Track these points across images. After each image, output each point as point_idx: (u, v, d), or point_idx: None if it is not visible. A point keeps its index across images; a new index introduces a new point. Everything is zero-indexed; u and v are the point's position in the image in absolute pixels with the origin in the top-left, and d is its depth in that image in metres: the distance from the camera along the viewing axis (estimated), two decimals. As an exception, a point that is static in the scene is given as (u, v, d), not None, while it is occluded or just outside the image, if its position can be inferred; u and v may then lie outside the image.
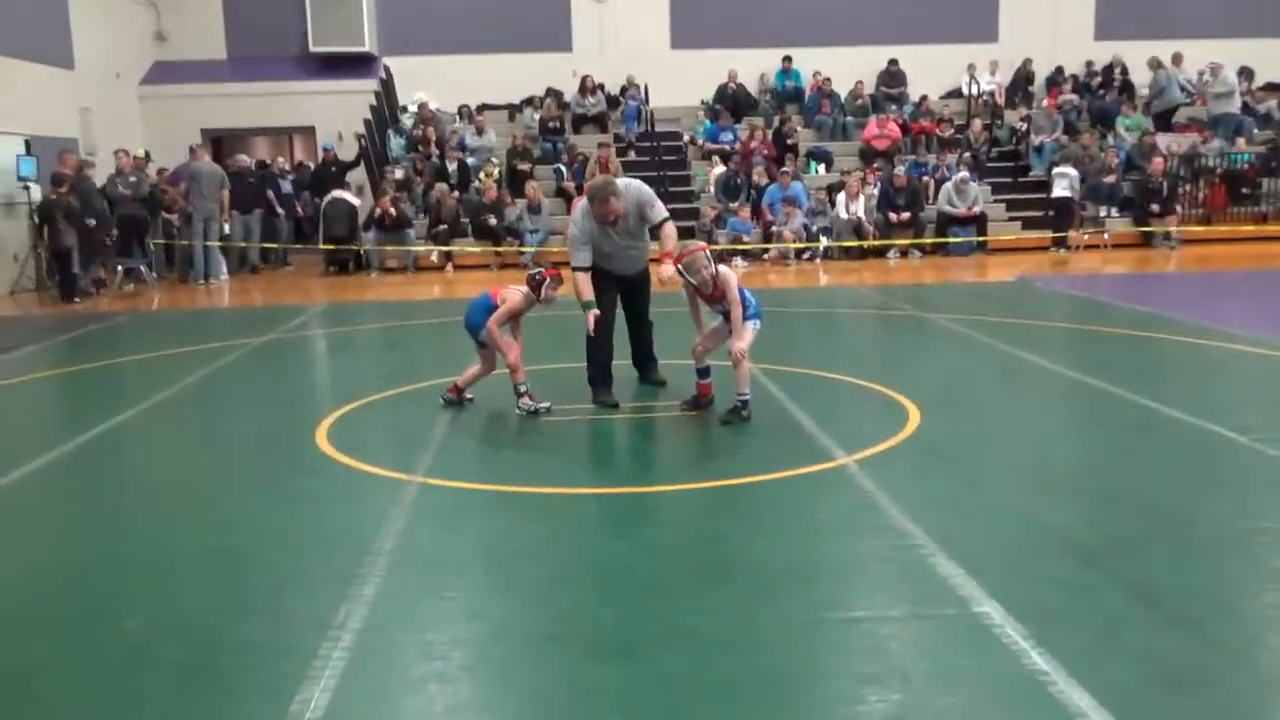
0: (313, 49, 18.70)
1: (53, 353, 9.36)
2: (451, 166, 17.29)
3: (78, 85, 16.39)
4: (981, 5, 20.14)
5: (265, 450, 5.71)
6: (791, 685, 2.92)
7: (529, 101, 19.36)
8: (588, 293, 6.16)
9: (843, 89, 19.39)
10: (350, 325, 10.64)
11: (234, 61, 19.15)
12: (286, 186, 17.15)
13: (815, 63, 19.52)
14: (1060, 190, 16.31)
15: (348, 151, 17.72)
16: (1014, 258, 15.53)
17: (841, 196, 16.35)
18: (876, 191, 16.50)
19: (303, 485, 4.92)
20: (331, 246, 16.04)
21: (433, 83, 19.06)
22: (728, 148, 18.05)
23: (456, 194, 16.64)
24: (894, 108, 19.15)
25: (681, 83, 19.30)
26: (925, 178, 17.25)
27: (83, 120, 16.52)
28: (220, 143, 19.54)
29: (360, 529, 4.20)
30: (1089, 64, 20.02)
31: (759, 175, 16.94)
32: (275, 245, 16.67)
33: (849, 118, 19.11)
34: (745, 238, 15.96)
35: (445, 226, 16.15)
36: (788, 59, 19.71)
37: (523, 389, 6.10)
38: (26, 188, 14.34)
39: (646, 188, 6.37)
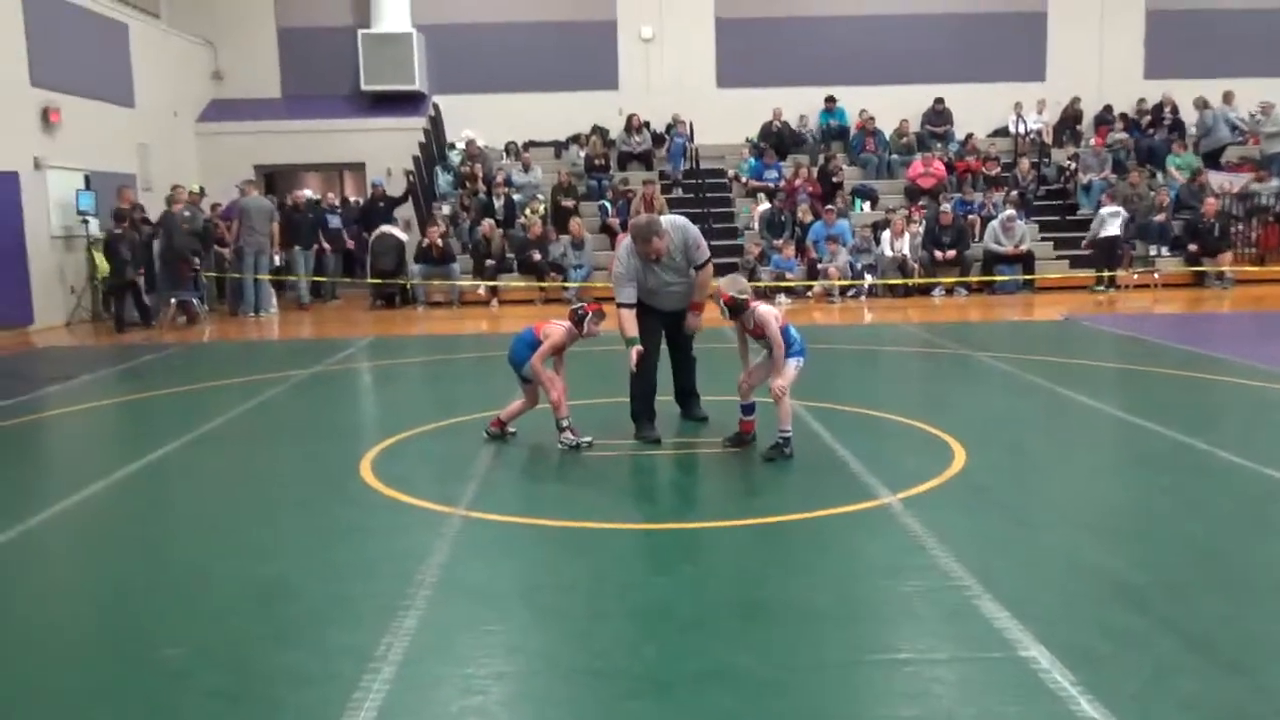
0: (364, 87, 19.04)
1: (106, 383, 9.52)
2: (498, 202, 17.48)
3: (137, 122, 16.80)
4: (1029, 45, 20.07)
5: (309, 481, 5.73)
6: (833, 727, 2.84)
7: (575, 139, 19.53)
8: (631, 329, 6.17)
9: (888, 127, 19.37)
10: (396, 358, 10.71)
11: (288, 100, 19.55)
12: (335, 221, 17.37)
13: (861, 101, 19.54)
14: (1105, 230, 16.12)
15: (396, 187, 17.95)
16: (1061, 296, 15.37)
17: (886, 234, 16.31)
18: (921, 229, 16.43)
19: (346, 516, 4.93)
20: (379, 281, 16.23)
21: (480, 120, 19.33)
22: (772, 185, 18.09)
23: (502, 230, 16.80)
24: (939, 146, 19.10)
25: (726, 121, 19.42)
26: (971, 216, 17.14)
27: (141, 156, 16.91)
28: (273, 178, 19.91)
29: (402, 561, 4.20)
30: (1140, 101, 19.85)
31: (804, 213, 16.96)
32: (323, 279, 16.87)
33: (894, 156, 19.08)
34: (789, 275, 15.93)
35: (491, 261, 16.32)
36: (830, 99, 19.73)
37: (565, 423, 6.11)
38: (85, 222, 14.67)
39: (693, 227, 6.39)
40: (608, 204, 17.62)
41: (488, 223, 16.61)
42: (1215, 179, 17.56)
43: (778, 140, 19.23)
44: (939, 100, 19.66)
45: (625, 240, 6.41)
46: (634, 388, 6.36)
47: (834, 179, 18.06)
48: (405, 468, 5.85)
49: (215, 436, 6.92)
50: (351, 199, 19.79)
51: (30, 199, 14.00)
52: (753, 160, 18.79)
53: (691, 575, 4.07)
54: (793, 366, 5.70)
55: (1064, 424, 6.91)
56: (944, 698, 3.03)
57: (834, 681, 3.14)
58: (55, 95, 14.58)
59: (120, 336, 13.29)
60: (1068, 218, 17.82)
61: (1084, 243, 16.35)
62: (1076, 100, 19.84)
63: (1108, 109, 19.84)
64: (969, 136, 19.18)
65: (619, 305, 6.24)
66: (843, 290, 15.70)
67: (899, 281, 15.96)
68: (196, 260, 14.69)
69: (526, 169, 18.43)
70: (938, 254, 16.16)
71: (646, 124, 19.34)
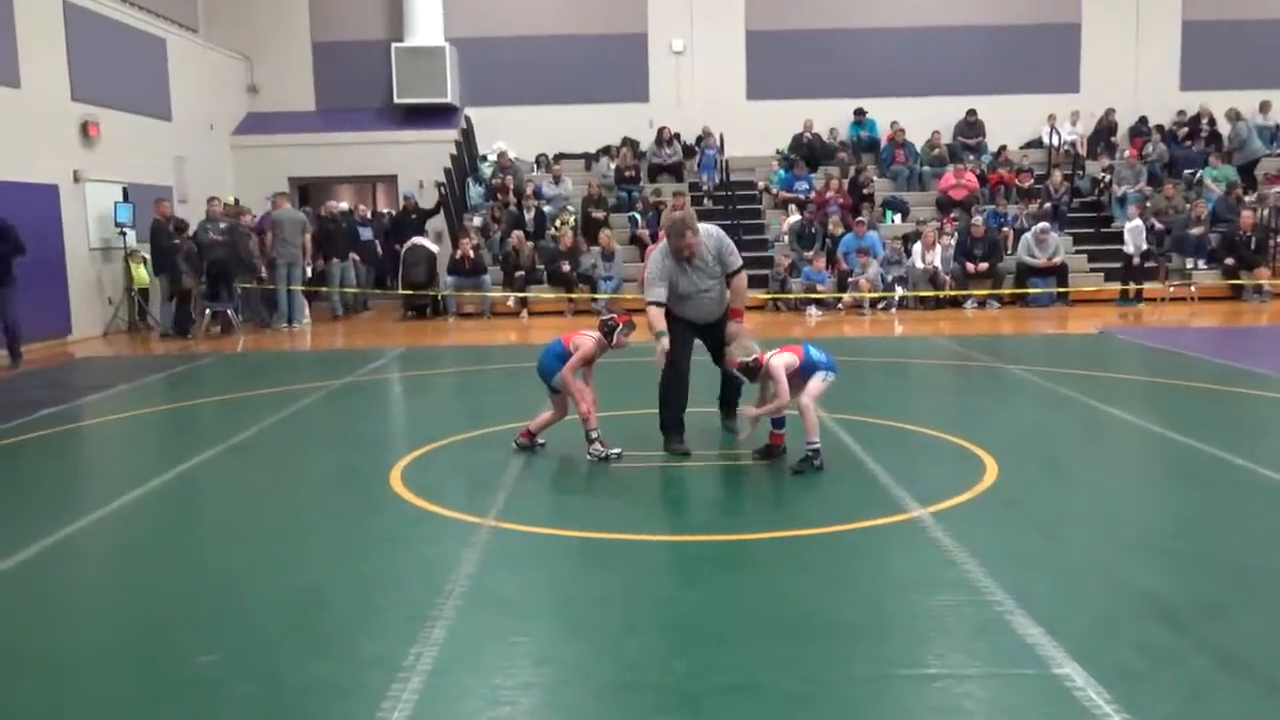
0: (397, 100, 19.21)
1: (142, 392, 9.60)
2: (528, 214, 17.55)
3: (174, 135, 17.03)
4: (1063, 56, 19.94)
5: (340, 491, 5.77)
6: (863, 743, 2.81)
7: (605, 151, 19.59)
8: (660, 324, 6.14)
9: (919, 139, 19.29)
10: (427, 369, 10.74)
11: (322, 113, 19.75)
12: (367, 233, 17.48)
13: (892, 113, 19.48)
14: (1130, 245, 15.93)
15: (428, 199, 18.06)
16: (1096, 309, 15.23)
17: (917, 246, 16.23)
18: (953, 241, 16.33)
19: (376, 526, 4.95)
20: (410, 292, 16.32)
21: (512, 133, 19.43)
22: (802, 197, 18.04)
23: (532, 241, 16.86)
24: (972, 158, 18.99)
25: (757, 132, 19.41)
26: (1004, 228, 17.01)
27: (177, 168, 17.13)
28: (307, 190, 20.09)
29: (431, 571, 4.21)
30: (1180, 114, 19.64)
31: (834, 225, 16.92)
32: (355, 290, 17.00)
33: (925, 167, 18.99)
34: (820, 287, 15.90)
35: (521, 273, 16.37)
36: (860, 111, 19.68)
37: (594, 435, 6.11)
38: (123, 233, 14.87)
39: (726, 237, 6.43)
40: (638, 216, 17.67)
41: (518, 234, 16.68)
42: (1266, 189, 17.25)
43: (808, 152, 19.21)
44: (971, 112, 19.56)
45: (660, 244, 6.43)
46: (663, 398, 6.33)
47: (864, 191, 18.02)
48: (435, 478, 5.87)
49: (248, 446, 6.96)
50: (384, 211, 19.91)
51: (70, 212, 14.22)
52: (783, 172, 18.78)
53: (721, 588, 4.06)
54: (821, 380, 5.71)
55: (1098, 438, 6.85)
56: (975, 714, 3.00)
57: (863, 696, 3.12)
58: (95, 109, 14.81)
59: (156, 347, 13.42)
60: (1102, 230, 17.66)
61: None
62: (1111, 112, 19.68)
63: (1143, 121, 19.67)
64: (1002, 148, 19.07)
65: (649, 303, 6.22)
66: (873, 302, 15.65)
67: (930, 294, 15.89)
68: (260, 269, 14.90)
69: (557, 181, 18.51)
70: (970, 266, 16.06)
71: (677, 136, 19.37)
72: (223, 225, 15.11)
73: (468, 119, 19.66)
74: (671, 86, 19.88)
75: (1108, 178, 18.28)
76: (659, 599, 3.95)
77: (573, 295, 16.09)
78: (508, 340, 13.37)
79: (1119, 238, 16.78)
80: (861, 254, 15.92)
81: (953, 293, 15.89)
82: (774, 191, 18.58)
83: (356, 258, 17.03)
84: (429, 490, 5.53)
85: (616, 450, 6.12)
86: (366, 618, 3.80)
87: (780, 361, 5.75)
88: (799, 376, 5.76)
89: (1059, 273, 16.08)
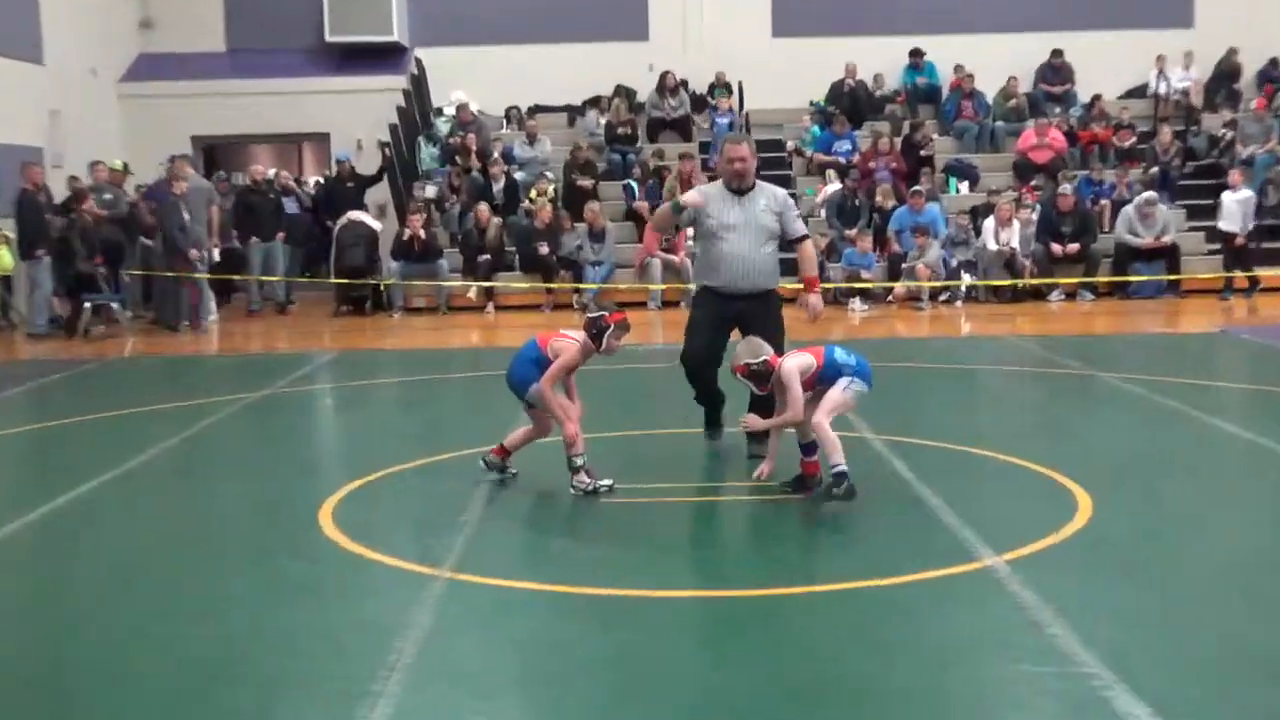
0: (329, 39, 19.25)
1: (8, 407, 9.61)
2: (496, 183, 17.55)
3: (46, 83, 17.01)
4: (1171, -19, 19.98)
5: (256, 533, 5.76)
6: None
7: (593, 103, 19.61)
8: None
9: (991, 87, 19.32)
10: (366, 378, 10.82)
11: (234, 55, 19.77)
12: (292, 206, 17.47)
13: (956, 55, 19.49)
14: (1226, 220, 15.86)
15: (368, 164, 18.07)
16: (1215, 301, 15.27)
17: (989, 223, 16.24)
18: (1035, 216, 16.36)
19: (301, 578, 4.94)
20: (345, 280, 16.28)
21: (474, 80, 19.47)
22: (843, 160, 18.10)
23: (501, 217, 16.86)
24: (1058, 111, 19.05)
25: (785, 80, 19.46)
26: (1100, 200, 17.06)
27: (51, 125, 17.12)
28: (214, 153, 20.10)
29: (373, 635, 4.19)
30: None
31: (883, 195, 16.94)
32: (278, 279, 16.91)
33: (999, 123, 19.04)
34: (865, 274, 15.89)
35: (487, 257, 16.34)
36: (917, 52, 19.70)
37: (579, 463, 6.11)
38: (-19, 207, 14.85)
39: (791, 201, 6.83)
40: (634, 184, 17.68)
41: (483, 208, 16.67)
42: None
43: (850, 104, 19.26)
44: (1057, 53, 19.60)
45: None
46: (690, 379, 6.71)
47: (922, 153, 18.05)
48: (377, 517, 5.89)
49: (139, 476, 6.94)
50: (312, 179, 19.91)
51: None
52: (818, 129, 18.84)
53: (742, 654, 4.04)
54: (845, 390, 5.79)
55: (1216, 466, 6.86)
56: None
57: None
58: (-56, 50, 14.78)
59: (21, 349, 13.40)
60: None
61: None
62: (1234, 52, 19.70)
63: (1273, 63, 19.70)
64: (1096, 99, 19.11)
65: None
66: (934, 294, 15.68)
67: (1005, 283, 15.90)
68: (202, 251, 14.93)
69: (532, 140, 18.54)
70: (1056, 248, 16.07)
71: (684, 83, 19.41)
72: (107, 196, 15.10)
73: (419, 62, 19.69)
74: (677, 22, 19.93)
75: (1229, 135, 18.31)
76: (661, 670, 3.93)
77: (552, 285, 16.10)
78: (469, 342, 13.44)
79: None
80: (919, 233, 15.94)
81: (1034, 281, 15.92)
82: (807, 154, 18.65)
83: (282, 237, 16.84)
84: (369, 532, 5.52)
85: (607, 482, 6.12)
86: (288, 694, 3.76)
87: (794, 365, 5.81)
88: (820, 384, 5.83)
89: (1168, 255, 16.12)
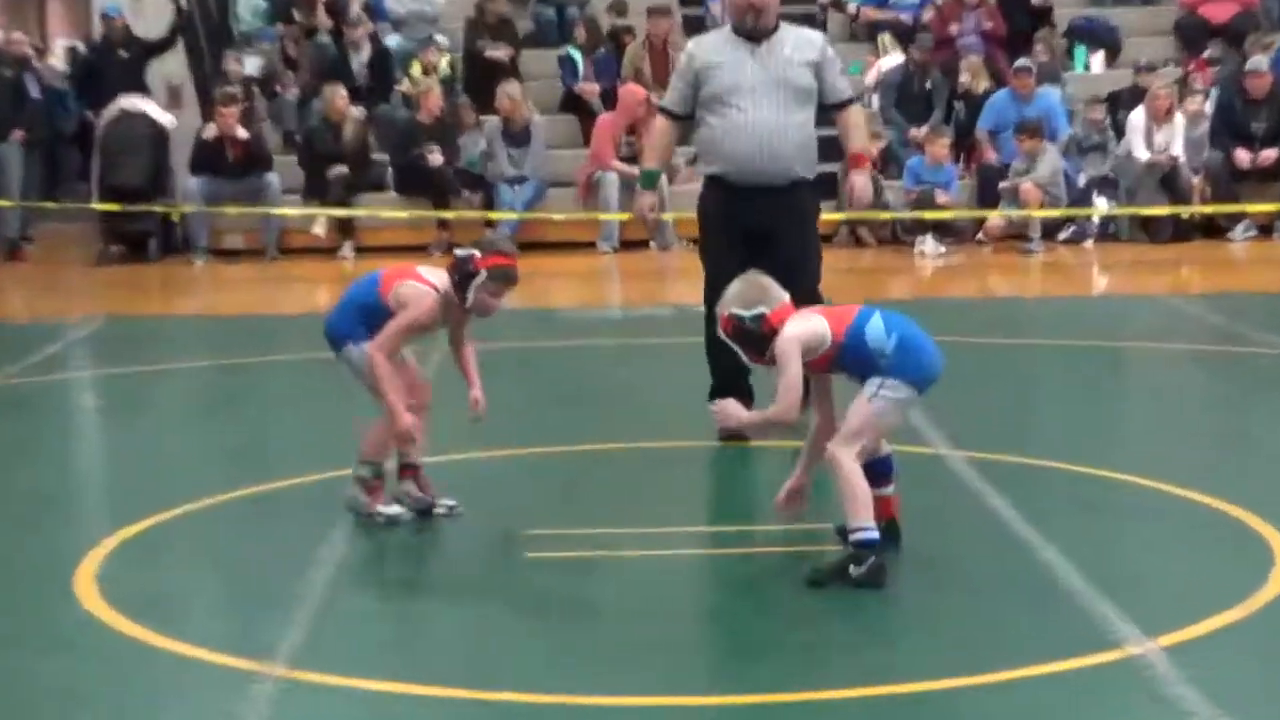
0: None
1: None
2: (357, 55, 14.62)
3: None
4: None
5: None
6: None
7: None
8: (651, 158, 6.06)
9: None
10: (149, 362, 9.01)
11: None
12: (32, 89, 14.22)
13: None
14: None
15: (153, 23, 15.11)
16: None
17: (1138, 117, 13.42)
18: (1209, 108, 13.84)
19: (49, 674, 3.87)
20: (116, 206, 12.93)
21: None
22: (908, 19, 15.36)
23: (364, 107, 14.02)
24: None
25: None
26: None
27: None
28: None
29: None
30: None
31: (970, 74, 14.02)
32: (12, 204, 13.96)
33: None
34: (942, 195, 13.10)
35: (342, 171, 13.41)
36: None
37: (365, 473, 4.90)
38: None
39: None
40: (576, 55, 14.73)
41: (336, 92, 13.62)
42: None
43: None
44: None
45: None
46: (709, 348, 5.81)
47: (1034, 2, 15.21)
48: (167, 580, 4.74)
49: None
50: (61, 46, 17.36)
51: None
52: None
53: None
54: (865, 399, 4.49)
55: None
56: None
57: None
58: None
59: None
60: None
61: None
62: None
63: None
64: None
65: (660, 108, 6.15)
66: (1050, 229, 13.17)
67: (1163, 210, 13.29)
68: None
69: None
70: (1242, 156, 13.24)
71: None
72: None
73: None
74: None
75: None
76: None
77: (447, 215, 13.22)
78: (312, 305, 10.92)
79: None
80: (1026, 133, 12.98)
81: (1208, 208, 13.23)
82: (850, 8, 15.87)
83: (20, 136, 13.87)
84: (155, 604, 4.37)
85: (396, 510, 4.96)
86: None
87: (797, 333, 4.48)
88: (839, 368, 4.54)
89: None
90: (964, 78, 13.38)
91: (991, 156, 12.72)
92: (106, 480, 6.66)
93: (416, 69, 13.74)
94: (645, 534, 5.03)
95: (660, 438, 5.96)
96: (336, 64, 13.71)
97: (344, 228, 12.65)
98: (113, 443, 7.45)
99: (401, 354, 5.02)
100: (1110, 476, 5.69)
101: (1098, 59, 14.28)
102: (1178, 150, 12.44)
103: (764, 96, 5.65)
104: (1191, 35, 14.13)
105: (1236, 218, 12.57)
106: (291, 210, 12.90)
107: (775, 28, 5.73)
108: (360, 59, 13.72)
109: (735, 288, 4.67)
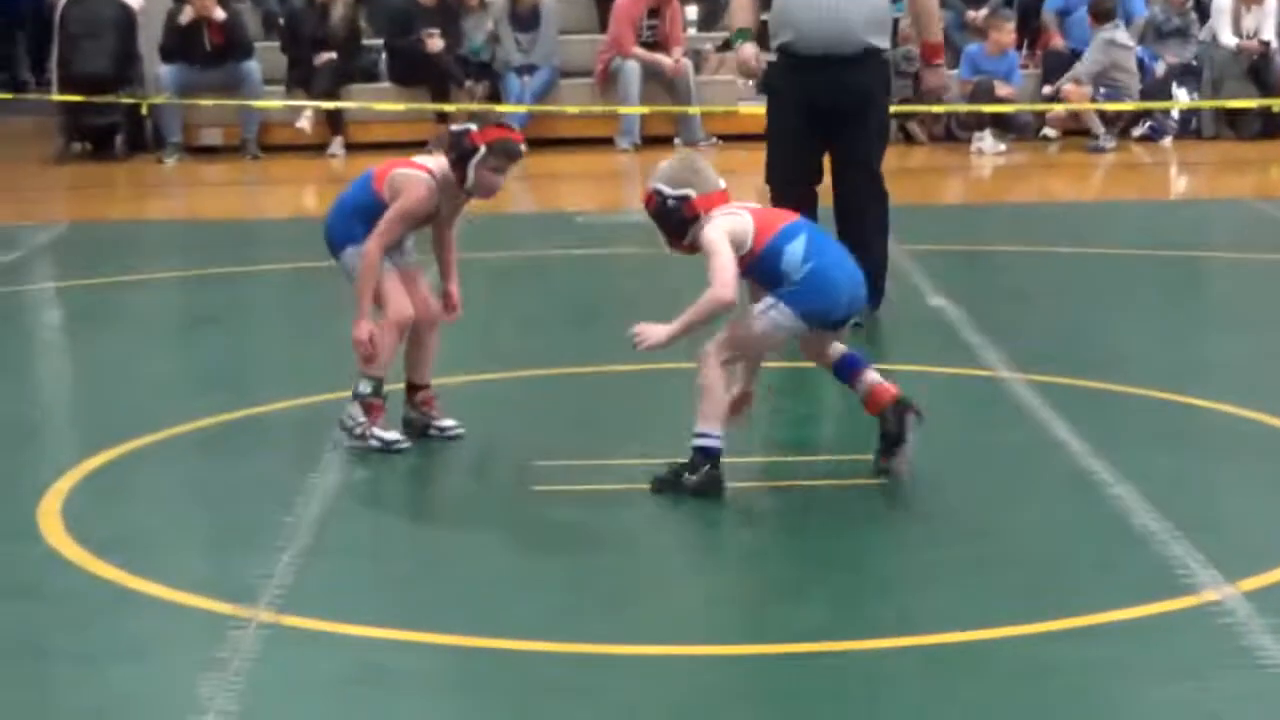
0: None
1: None
2: None
3: None
4: None
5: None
6: None
7: None
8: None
9: None
10: (117, 272, 8.74)
11: None
12: None
13: None
14: None
15: None
16: None
17: None
18: None
19: (7, 620, 3.71)
20: (79, 98, 12.29)
21: None
22: None
23: None
24: None
25: None
26: None
27: None
28: None
29: (137, 715, 3.27)
30: None
31: None
32: None
33: None
34: (1003, 87, 12.61)
35: (330, 57, 12.62)
36: None
37: (365, 389, 4.72)
38: None
39: None
40: None
41: None
42: None
43: None
44: None
45: None
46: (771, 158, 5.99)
47: None
48: (139, 515, 4.57)
49: None
50: None
51: None
52: None
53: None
54: (757, 314, 4.42)
55: None
56: None
57: None
58: None
59: None
60: None
61: None
62: None
63: None
64: None
65: None
66: (1125, 124, 12.81)
67: (1250, 103, 12.90)
68: None
69: None
70: None
71: None
72: None
73: None
74: None
75: None
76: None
77: (447, 107, 12.70)
78: (298, 209, 11.10)
79: None
80: (1096, 16, 11.75)
81: None
82: None
83: None
84: (125, 542, 4.20)
85: (394, 436, 4.79)
86: None
87: (726, 226, 4.37)
88: (744, 273, 4.43)
89: None
90: (1026, -47, 12.82)
91: (1059, 42, 11.96)
92: (72, 404, 6.45)
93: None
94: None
95: (684, 359, 5.63)
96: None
97: (332, 122, 12.03)
98: (79, 363, 7.19)
99: (411, 265, 4.82)
100: (1190, 403, 5.47)
101: (1180, -67, 13.21)
102: (1269, 35, 11.94)
103: None
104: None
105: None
106: (274, 102, 12.34)
107: None
108: (351, -68, 12.84)
109: (667, 164, 4.51)
